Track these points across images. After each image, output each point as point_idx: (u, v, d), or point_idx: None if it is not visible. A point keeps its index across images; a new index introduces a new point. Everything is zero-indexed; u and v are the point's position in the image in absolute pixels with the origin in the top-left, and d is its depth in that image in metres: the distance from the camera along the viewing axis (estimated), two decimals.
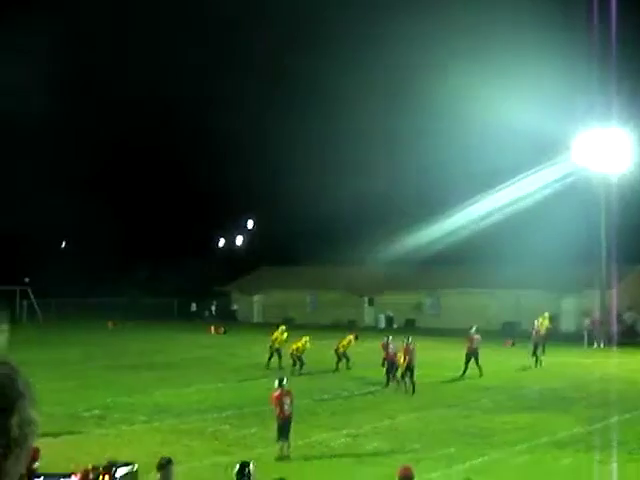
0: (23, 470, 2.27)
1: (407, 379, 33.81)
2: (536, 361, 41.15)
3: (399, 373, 34.76)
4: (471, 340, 38.31)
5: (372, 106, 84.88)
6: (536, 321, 42.96)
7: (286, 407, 22.23)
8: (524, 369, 40.27)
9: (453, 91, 68.47)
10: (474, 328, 39.07)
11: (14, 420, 2.37)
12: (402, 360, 36.12)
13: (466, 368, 37.71)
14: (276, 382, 22.90)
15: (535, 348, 41.42)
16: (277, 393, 22.47)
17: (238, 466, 13.77)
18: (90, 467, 6.65)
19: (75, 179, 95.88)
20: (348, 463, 21.44)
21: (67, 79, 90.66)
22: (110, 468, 6.23)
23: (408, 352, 34.28)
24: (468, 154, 71.50)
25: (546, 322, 46.39)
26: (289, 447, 22.09)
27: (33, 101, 79.03)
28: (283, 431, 22.11)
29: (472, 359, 37.81)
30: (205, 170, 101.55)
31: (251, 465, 13.72)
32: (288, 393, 22.64)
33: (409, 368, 33.90)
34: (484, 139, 69.22)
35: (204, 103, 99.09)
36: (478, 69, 68.34)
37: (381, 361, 36.33)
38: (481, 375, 37.33)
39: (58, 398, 31.26)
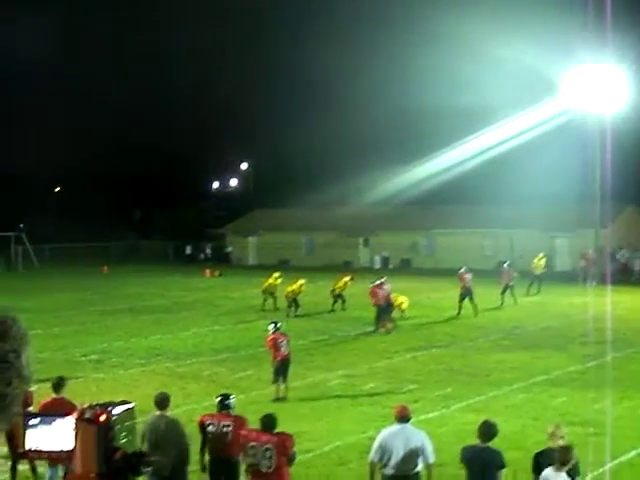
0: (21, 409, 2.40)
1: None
2: (502, 301, 41.31)
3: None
4: (462, 279, 38.51)
5: (361, 45, 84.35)
6: (505, 264, 42.97)
7: (283, 349, 22.29)
8: (520, 308, 40.38)
9: (444, 28, 67.92)
10: (464, 268, 39.31)
11: (23, 360, 2.49)
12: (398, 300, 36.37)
13: (460, 307, 37.90)
14: (271, 326, 22.86)
15: (504, 289, 41.51)
16: (272, 336, 22.50)
17: (220, 397, 13.89)
18: (86, 405, 6.61)
19: (69, 123, 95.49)
20: (344, 404, 21.53)
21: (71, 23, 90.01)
22: (107, 406, 6.18)
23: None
24: (460, 91, 71.06)
25: (541, 262, 46.49)
26: (287, 389, 22.18)
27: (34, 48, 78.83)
28: (281, 372, 22.21)
29: (466, 298, 38.00)
30: (200, 112, 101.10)
31: (232, 397, 13.84)
32: (283, 335, 22.68)
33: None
34: (477, 76, 68.74)
35: (199, 50, 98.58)
36: (465, 3, 67.82)
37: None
38: (476, 314, 37.48)
39: (55, 344, 31.40)
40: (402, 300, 37.03)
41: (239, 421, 13.59)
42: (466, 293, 38.15)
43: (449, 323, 36.22)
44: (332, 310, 39.80)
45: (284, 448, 12.28)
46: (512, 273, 41.64)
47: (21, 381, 2.64)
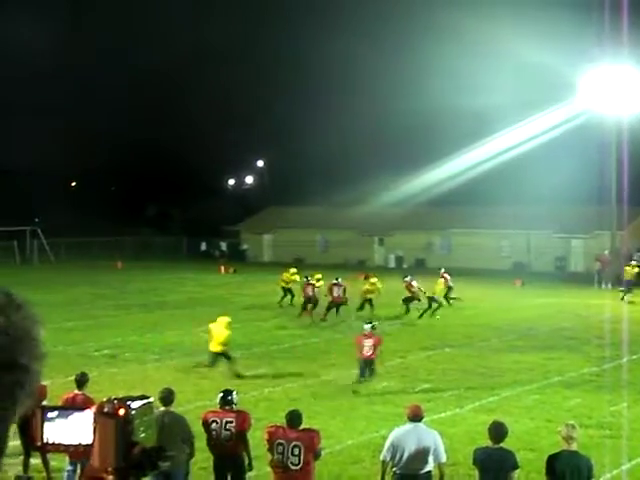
0: (33, 402, 2.29)
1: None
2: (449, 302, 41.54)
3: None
4: (409, 287, 38.55)
5: (380, 44, 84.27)
6: (442, 270, 42.65)
7: (365, 349, 23.44)
8: (535, 308, 40.31)
9: (462, 31, 67.84)
10: (408, 277, 39.49)
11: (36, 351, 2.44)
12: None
13: (407, 309, 38.04)
14: (367, 326, 24.10)
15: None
16: (360, 336, 23.93)
17: (222, 393, 13.94)
18: (105, 400, 6.65)
19: (86, 120, 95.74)
20: (358, 402, 21.51)
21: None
22: (126, 400, 6.23)
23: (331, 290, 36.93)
24: (477, 93, 70.96)
25: (634, 270, 45.49)
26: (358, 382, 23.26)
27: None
28: (364, 371, 23.48)
29: (411, 302, 38.43)
30: (216, 109, 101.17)
31: (234, 393, 13.87)
32: (373, 337, 23.68)
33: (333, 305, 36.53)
34: (495, 78, 68.63)
35: (218, 45, 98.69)
36: (483, 5, 67.71)
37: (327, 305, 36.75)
38: (407, 313, 37.65)
39: (69, 338, 31.43)
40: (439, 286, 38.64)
41: (242, 416, 13.66)
42: (413, 298, 38.36)
43: (463, 323, 36.16)
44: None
45: (312, 445, 12.33)
46: (447, 277, 41.33)
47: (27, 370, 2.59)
